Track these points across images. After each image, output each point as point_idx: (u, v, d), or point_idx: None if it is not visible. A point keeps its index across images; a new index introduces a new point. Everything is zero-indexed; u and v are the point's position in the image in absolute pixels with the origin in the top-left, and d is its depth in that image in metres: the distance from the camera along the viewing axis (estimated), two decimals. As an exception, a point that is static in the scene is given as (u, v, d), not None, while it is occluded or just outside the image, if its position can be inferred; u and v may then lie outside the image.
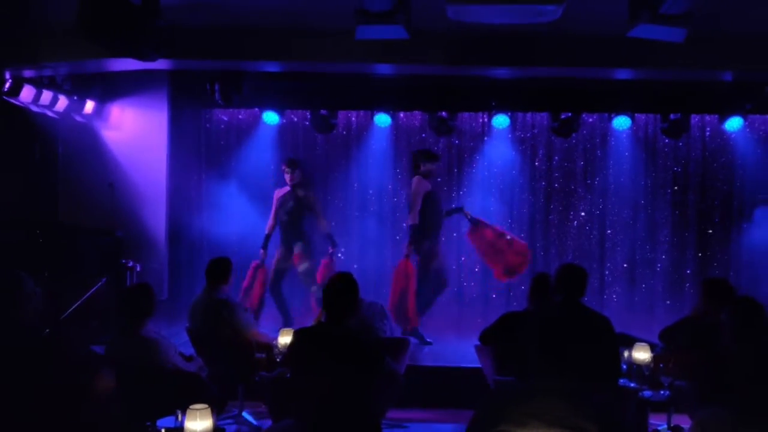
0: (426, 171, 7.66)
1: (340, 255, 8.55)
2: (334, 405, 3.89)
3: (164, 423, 3.77)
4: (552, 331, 2.95)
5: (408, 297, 7.41)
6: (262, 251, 7.96)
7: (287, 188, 7.95)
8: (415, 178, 7.69)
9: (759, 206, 8.87)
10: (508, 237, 7.85)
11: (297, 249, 7.94)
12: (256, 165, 9.34)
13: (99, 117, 8.64)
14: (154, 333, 4.68)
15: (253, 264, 7.92)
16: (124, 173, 8.64)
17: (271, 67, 7.60)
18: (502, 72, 7.79)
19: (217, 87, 7.87)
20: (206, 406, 3.36)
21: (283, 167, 7.95)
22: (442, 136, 9.14)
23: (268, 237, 7.99)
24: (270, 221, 8.02)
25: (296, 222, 7.91)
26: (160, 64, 7.50)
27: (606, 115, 8.92)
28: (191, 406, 3.36)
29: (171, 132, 8.88)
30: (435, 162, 7.77)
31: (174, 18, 5.80)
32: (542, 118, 9.30)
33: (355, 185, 9.47)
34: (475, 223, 7.93)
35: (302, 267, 7.93)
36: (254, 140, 9.42)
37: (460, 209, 8.14)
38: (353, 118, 9.55)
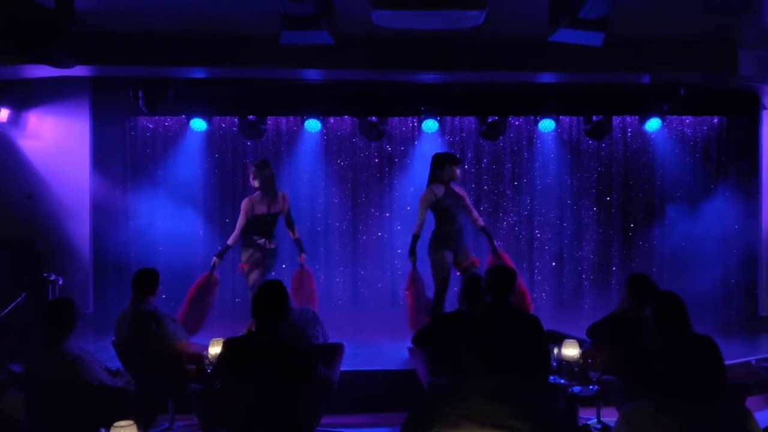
0: (448, 176, 7.19)
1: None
2: (264, 415, 3.85)
3: (89, 442, 3.64)
4: (481, 331, 2.98)
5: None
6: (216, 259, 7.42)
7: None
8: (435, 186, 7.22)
9: (674, 203, 9.17)
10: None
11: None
12: (184, 173, 9.15)
13: (15, 125, 8.32)
14: (77, 348, 4.54)
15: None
16: (44, 184, 8.37)
17: (197, 74, 7.48)
18: (429, 77, 7.87)
19: (140, 94, 7.70)
20: (131, 422, 3.27)
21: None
22: (373, 141, 9.17)
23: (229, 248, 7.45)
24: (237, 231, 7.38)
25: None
26: (81, 71, 7.31)
27: (532, 118, 9.09)
28: (115, 423, 3.25)
29: (93, 140, 8.64)
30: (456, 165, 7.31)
31: (93, 23, 5.67)
32: (470, 122, 9.42)
33: (287, 191, 9.36)
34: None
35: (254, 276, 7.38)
36: (181, 148, 9.22)
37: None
38: (283, 124, 9.47)
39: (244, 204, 7.34)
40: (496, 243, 7.66)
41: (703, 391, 2.75)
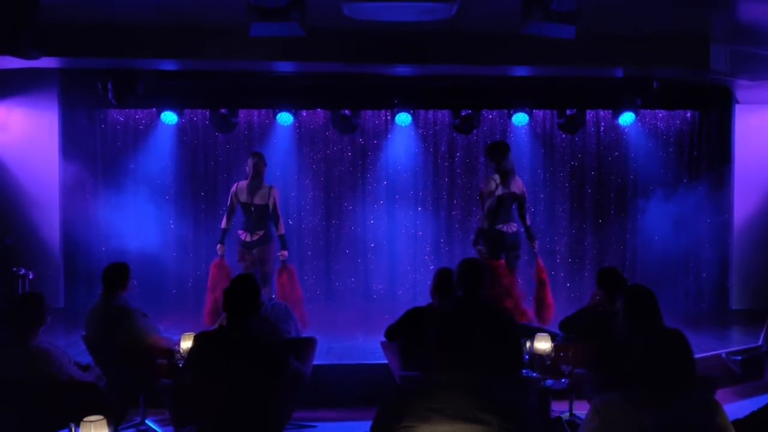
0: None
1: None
2: (235, 410, 3.81)
3: (57, 438, 3.58)
4: (452, 326, 2.97)
5: (515, 295, 7.19)
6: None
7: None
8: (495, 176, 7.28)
9: (647, 197, 9.24)
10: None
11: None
12: (155, 166, 9.07)
13: (-18, 118, 8.18)
14: (46, 343, 4.47)
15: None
16: (12, 177, 8.24)
17: (167, 66, 7.39)
18: (402, 70, 7.85)
19: (110, 86, 7.58)
20: (101, 417, 3.22)
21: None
22: (346, 134, 9.13)
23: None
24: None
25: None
26: (49, 63, 7.20)
27: (505, 111, 9.10)
28: (85, 419, 3.20)
29: (63, 133, 8.53)
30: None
31: (61, 14, 5.56)
32: (444, 115, 9.41)
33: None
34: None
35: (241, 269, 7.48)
36: (152, 141, 9.14)
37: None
38: (255, 117, 9.40)
39: (231, 189, 7.62)
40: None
41: (672, 383, 2.76)
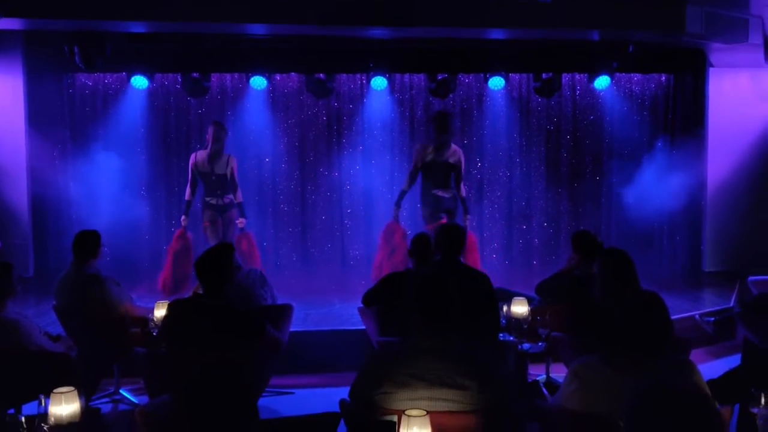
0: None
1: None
2: (211, 378, 3.77)
3: (28, 410, 3.51)
4: (430, 291, 2.95)
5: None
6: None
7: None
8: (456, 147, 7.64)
9: (621, 160, 9.27)
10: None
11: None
12: (125, 132, 8.87)
13: (-58, 83, 7.93)
14: (14, 314, 4.39)
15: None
16: (-26, 145, 8.02)
17: (136, 28, 7.21)
18: (378, 32, 7.73)
19: (76, 49, 7.36)
20: (72, 388, 3.14)
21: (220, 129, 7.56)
22: (321, 98, 9.01)
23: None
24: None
25: None
26: (11, 24, 6.99)
27: (482, 75, 9.03)
28: (55, 390, 3.13)
29: (28, 98, 8.31)
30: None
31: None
32: (420, 79, 9.31)
33: (232, 150, 9.18)
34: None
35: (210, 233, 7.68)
36: (122, 106, 8.93)
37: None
38: (227, 81, 9.22)
39: (191, 159, 7.67)
40: None
41: (649, 345, 2.77)
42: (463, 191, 7.78)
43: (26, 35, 7.90)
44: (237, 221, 7.67)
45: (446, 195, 7.64)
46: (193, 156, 7.68)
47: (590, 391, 2.79)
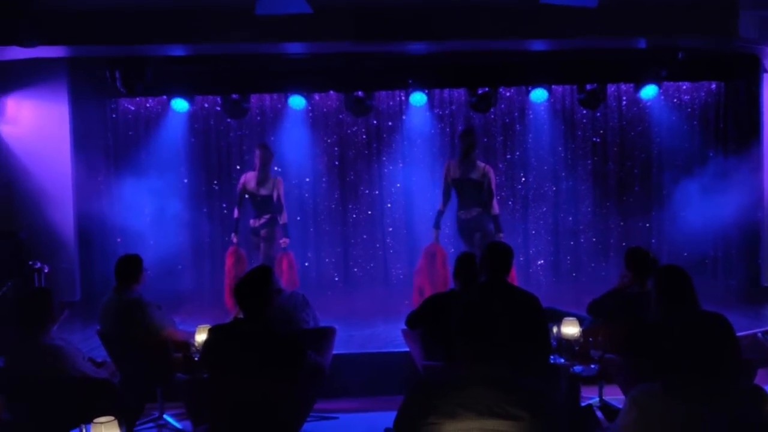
0: None
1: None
2: (253, 404, 3.67)
3: (69, 439, 3.45)
4: (477, 314, 2.81)
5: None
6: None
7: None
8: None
9: (672, 171, 9.00)
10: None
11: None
12: (167, 155, 8.96)
13: (-8, 111, 8.07)
14: (58, 340, 4.36)
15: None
16: (24, 171, 8.16)
17: (175, 51, 7.26)
18: (416, 47, 7.66)
19: (118, 75, 7.46)
20: (112, 418, 3.08)
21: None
22: (360, 116, 8.97)
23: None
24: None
25: None
26: (55, 52, 7.11)
27: (523, 88, 8.89)
28: (95, 420, 3.07)
29: (74, 124, 8.42)
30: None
31: (63, 1, 5.40)
32: (460, 94, 9.20)
33: (275, 169, 9.19)
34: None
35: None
36: (164, 129, 9.03)
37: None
38: (267, 102, 9.25)
39: (240, 180, 7.85)
40: None
41: (715, 370, 2.57)
42: (495, 208, 7.49)
43: (70, 63, 8.03)
44: (281, 240, 7.73)
45: (468, 216, 7.43)
46: (243, 177, 7.83)
47: (651, 421, 2.61)
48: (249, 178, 7.73)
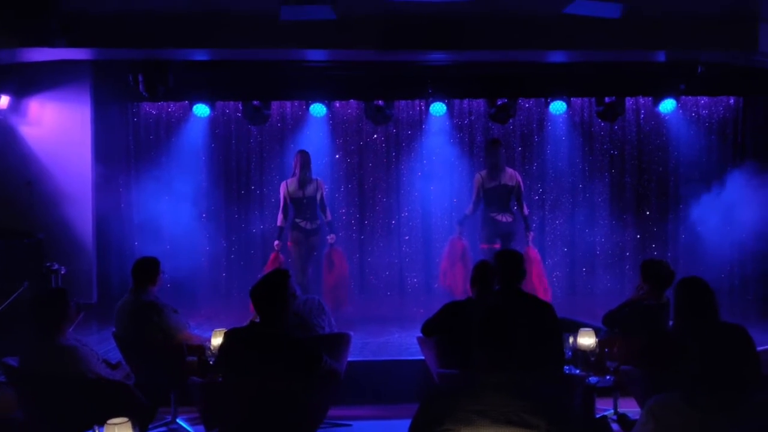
0: None
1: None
2: (267, 409, 3.68)
3: (83, 439, 3.46)
4: (492, 322, 2.81)
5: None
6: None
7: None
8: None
9: (689, 186, 8.96)
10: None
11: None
12: (187, 160, 9.01)
13: (16, 112, 8.14)
14: (73, 340, 4.38)
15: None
16: (44, 171, 8.20)
17: (198, 56, 7.31)
18: (436, 57, 7.68)
19: (140, 78, 7.52)
20: (126, 419, 3.09)
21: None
22: (380, 125, 9.00)
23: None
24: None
25: None
26: (79, 54, 7.15)
27: (542, 100, 8.90)
28: (109, 421, 3.08)
29: (95, 127, 8.46)
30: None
31: (89, 4, 5.47)
32: (479, 104, 9.21)
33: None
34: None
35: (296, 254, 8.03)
36: (185, 134, 9.08)
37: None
38: (287, 109, 9.29)
39: (282, 188, 7.98)
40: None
41: (736, 383, 2.55)
42: (525, 210, 8.03)
43: (94, 66, 8.08)
44: (328, 237, 8.01)
45: (504, 219, 7.83)
46: (283, 184, 7.91)
47: (668, 432, 2.59)
48: (292, 184, 7.86)
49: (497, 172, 7.80)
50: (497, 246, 7.68)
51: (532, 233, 8.02)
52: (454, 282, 7.93)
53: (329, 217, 8.04)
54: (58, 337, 4.23)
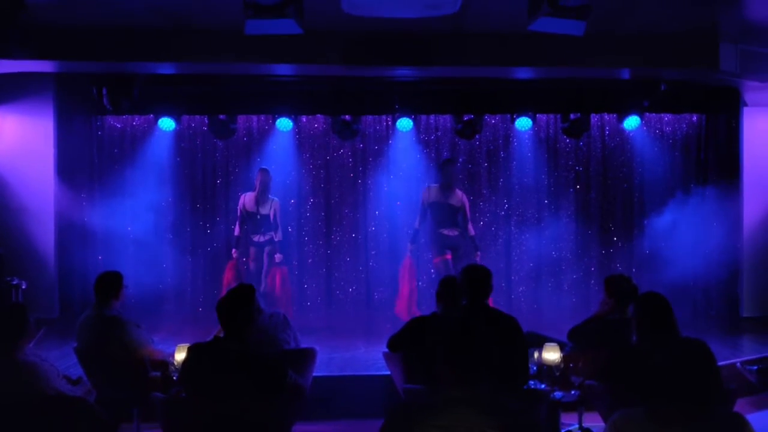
0: None
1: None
2: (231, 425, 3.63)
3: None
4: (458, 337, 2.80)
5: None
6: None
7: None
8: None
9: (653, 202, 9.09)
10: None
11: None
12: (152, 174, 8.91)
13: (-25, 125, 8.01)
14: (33, 356, 4.28)
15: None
16: (5, 185, 8.09)
17: (163, 69, 7.25)
18: (403, 72, 7.73)
19: (104, 91, 7.43)
20: (86, 436, 3.03)
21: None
22: (347, 140, 8.99)
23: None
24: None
25: None
26: (42, 67, 7.06)
27: (508, 116, 8.97)
28: (68, 437, 3.02)
29: (58, 140, 8.37)
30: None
31: (52, 16, 5.40)
32: (445, 120, 9.27)
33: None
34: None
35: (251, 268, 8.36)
36: (150, 148, 8.99)
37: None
38: (254, 123, 9.26)
39: (240, 200, 8.23)
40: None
41: (697, 397, 2.58)
42: (471, 230, 8.18)
43: (57, 78, 7.98)
44: (275, 256, 8.20)
45: (451, 233, 8.04)
46: (242, 197, 8.16)
47: (631, 446, 2.61)
48: (248, 199, 8.11)
49: (447, 191, 8.01)
50: (449, 257, 7.96)
51: (479, 253, 8.17)
52: (402, 306, 8.13)
53: (280, 236, 8.27)
54: (16, 353, 4.13)
